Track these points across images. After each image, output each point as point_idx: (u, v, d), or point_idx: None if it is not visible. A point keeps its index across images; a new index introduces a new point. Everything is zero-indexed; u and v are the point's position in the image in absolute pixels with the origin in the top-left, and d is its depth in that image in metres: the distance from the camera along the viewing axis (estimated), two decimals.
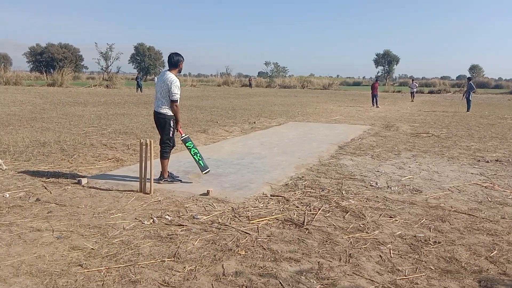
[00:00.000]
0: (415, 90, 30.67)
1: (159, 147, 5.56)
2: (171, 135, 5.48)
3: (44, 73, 58.68)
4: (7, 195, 4.83)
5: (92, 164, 6.69)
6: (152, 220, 4.15)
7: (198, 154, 5.80)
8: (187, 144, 5.74)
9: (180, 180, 5.63)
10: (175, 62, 5.43)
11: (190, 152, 5.78)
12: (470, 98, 20.07)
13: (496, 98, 38.41)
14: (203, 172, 5.82)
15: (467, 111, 19.69)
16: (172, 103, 5.36)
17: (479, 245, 3.69)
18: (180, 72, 5.63)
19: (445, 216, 4.46)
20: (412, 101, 29.41)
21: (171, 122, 5.43)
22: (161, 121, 5.44)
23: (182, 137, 5.69)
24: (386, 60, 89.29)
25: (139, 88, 34.72)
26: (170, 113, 5.41)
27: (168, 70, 5.45)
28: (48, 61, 70.64)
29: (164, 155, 5.51)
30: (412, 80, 36.02)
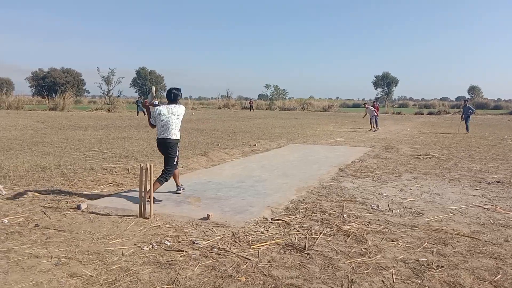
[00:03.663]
0: (373, 116, 20.44)
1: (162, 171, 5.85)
2: (175, 162, 5.82)
3: (46, 98, 59.22)
4: (6, 221, 4.80)
5: (92, 188, 6.67)
6: (151, 245, 4.11)
7: None
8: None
9: (160, 200, 5.72)
10: (174, 96, 5.89)
11: None
12: (469, 119, 20.18)
13: (495, 119, 38.54)
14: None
15: (467, 132, 19.75)
16: (152, 106, 5.85)
17: (482, 269, 3.64)
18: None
19: (447, 239, 4.41)
20: (371, 130, 20.30)
21: (177, 145, 5.85)
22: (168, 146, 5.74)
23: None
24: (385, 82, 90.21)
25: (140, 112, 34.95)
26: (178, 136, 5.82)
27: (168, 104, 5.87)
28: (50, 85, 71.47)
29: (161, 179, 5.71)
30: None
